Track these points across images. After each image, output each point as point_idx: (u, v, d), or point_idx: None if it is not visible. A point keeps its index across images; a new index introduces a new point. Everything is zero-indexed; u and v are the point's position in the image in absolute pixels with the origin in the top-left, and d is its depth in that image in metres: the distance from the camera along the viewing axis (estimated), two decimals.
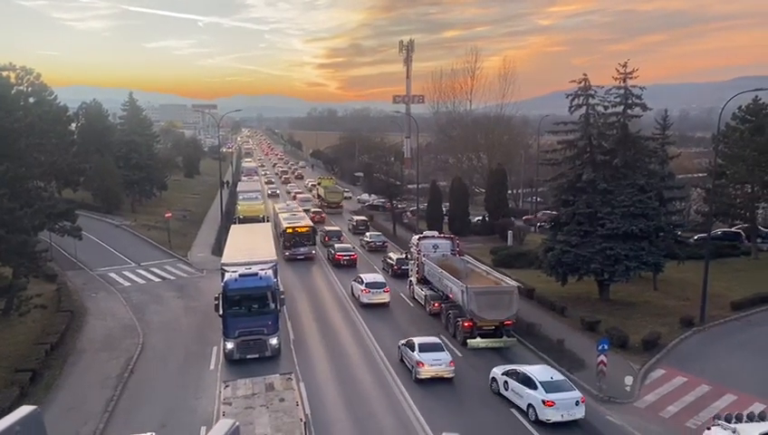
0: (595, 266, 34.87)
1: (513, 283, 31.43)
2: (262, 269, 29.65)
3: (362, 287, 36.52)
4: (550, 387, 22.09)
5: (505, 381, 23.92)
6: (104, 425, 21.89)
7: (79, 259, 46.06)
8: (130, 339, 30.82)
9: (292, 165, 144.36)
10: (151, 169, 74.69)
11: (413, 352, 26.11)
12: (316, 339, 31.32)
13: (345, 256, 46.81)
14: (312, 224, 51.80)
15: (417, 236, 40.52)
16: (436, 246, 37.93)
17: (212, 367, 27.34)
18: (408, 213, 69.25)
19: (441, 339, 28.27)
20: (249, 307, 27.80)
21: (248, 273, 28.97)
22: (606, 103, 36.40)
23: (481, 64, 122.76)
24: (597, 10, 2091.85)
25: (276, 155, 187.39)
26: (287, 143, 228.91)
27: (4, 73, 36.52)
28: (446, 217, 63.33)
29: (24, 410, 4.24)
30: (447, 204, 64.96)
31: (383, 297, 36.27)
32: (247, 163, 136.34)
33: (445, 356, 25.93)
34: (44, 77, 41.67)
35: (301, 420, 16.98)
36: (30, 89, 40.74)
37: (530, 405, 22.30)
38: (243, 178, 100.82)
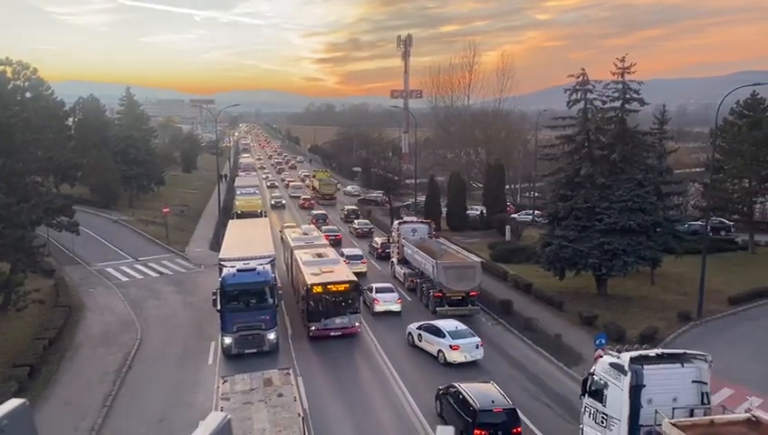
0: (593, 261, 34.92)
1: (477, 259, 36.11)
2: (260, 264, 29.60)
3: (343, 259, 40.64)
4: (455, 335, 26.78)
5: (419, 334, 28.31)
6: (102, 420, 21.90)
7: (76, 254, 46.02)
8: (128, 334, 30.82)
9: (285, 156, 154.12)
10: (149, 164, 74.45)
11: (371, 293, 33.77)
12: None
13: (331, 235, 51.04)
14: (354, 278, 31.33)
15: (397, 222, 44.60)
16: (414, 230, 41.86)
17: (210, 362, 27.36)
18: (404, 208, 69.38)
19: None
20: (247, 302, 27.78)
21: (246, 268, 28.90)
22: (604, 98, 36.41)
23: (479, 59, 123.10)
24: (594, 4, 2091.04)
25: (272, 147, 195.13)
26: (285, 138, 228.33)
27: (1, 68, 36.34)
28: (445, 212, 63.37)
29: (12, 403, 4.14)
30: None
31: (361, 267, 41.42)
32: (245, 159, 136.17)
33: (394, 295, 34.13)
34: (41, 72, 41.47)
35: (299, 414, 17.01)
36: (26, 84, 40.51)
37: (439, 350, 26.78)
38: (240, 173, 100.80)
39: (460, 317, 31.03)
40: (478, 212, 65.14)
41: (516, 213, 66.73)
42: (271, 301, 28.00)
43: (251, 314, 27.39)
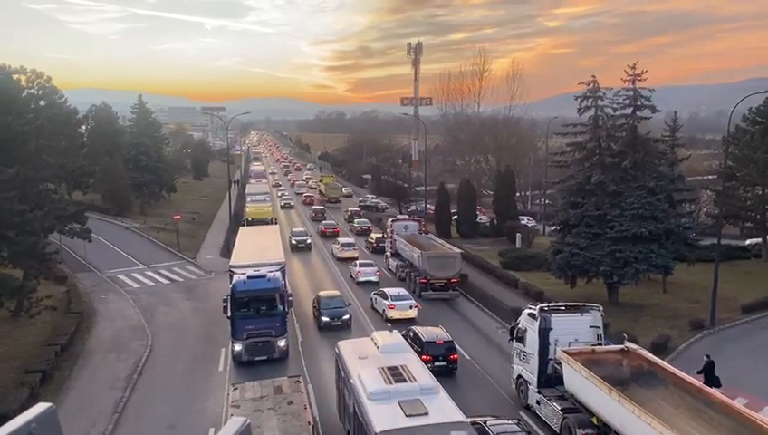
0: (604, 269, 34.70)
1: (458, 250, 41.02)
2: (270, 271, 29.67)
3: (338, 247, 50.32)
4: (395, 298, 33.77)
5: (374, 298, 35.48)
6: (113, 426, 22.00)
7: (88, 261, 46.29)
8: (139, 341, 30.95)
9: (291, 160, 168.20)
10: (160, 171, 74.84)
11: (355, 267, 42.20)
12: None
13: (329, 228, 60.88)
14: None
15: (391, 219, 49.39)
16: (406, 227, 46.47)
17: (220, 369, 27.43)
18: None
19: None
20: (257, 309, 27.82)
21: (256, 275, 28.97)
22: (615, 105, 36.20)
23: (489, 66, 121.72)
24: (604, 11, 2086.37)
25: (281, 153, 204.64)
26: (295, 145, 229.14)
27: (15, 76, 36.70)
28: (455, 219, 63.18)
29: (40, 407, 4.20)
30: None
31: (353, 253, 48.76)
32: (256, 167, 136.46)
33: (373, 269, 42.16)
34: (54, 80, 41.77)
35: (309, 423, 16.99)
36: (40, 92, 40.78)
37: (383, 310, 33.69)
38: (251, 180, 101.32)
39: (443, 301, 37.45)
40: (484, 217, 64.97)
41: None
42: (281, 308, 28.04)
43: (261, 320, 27.43)
